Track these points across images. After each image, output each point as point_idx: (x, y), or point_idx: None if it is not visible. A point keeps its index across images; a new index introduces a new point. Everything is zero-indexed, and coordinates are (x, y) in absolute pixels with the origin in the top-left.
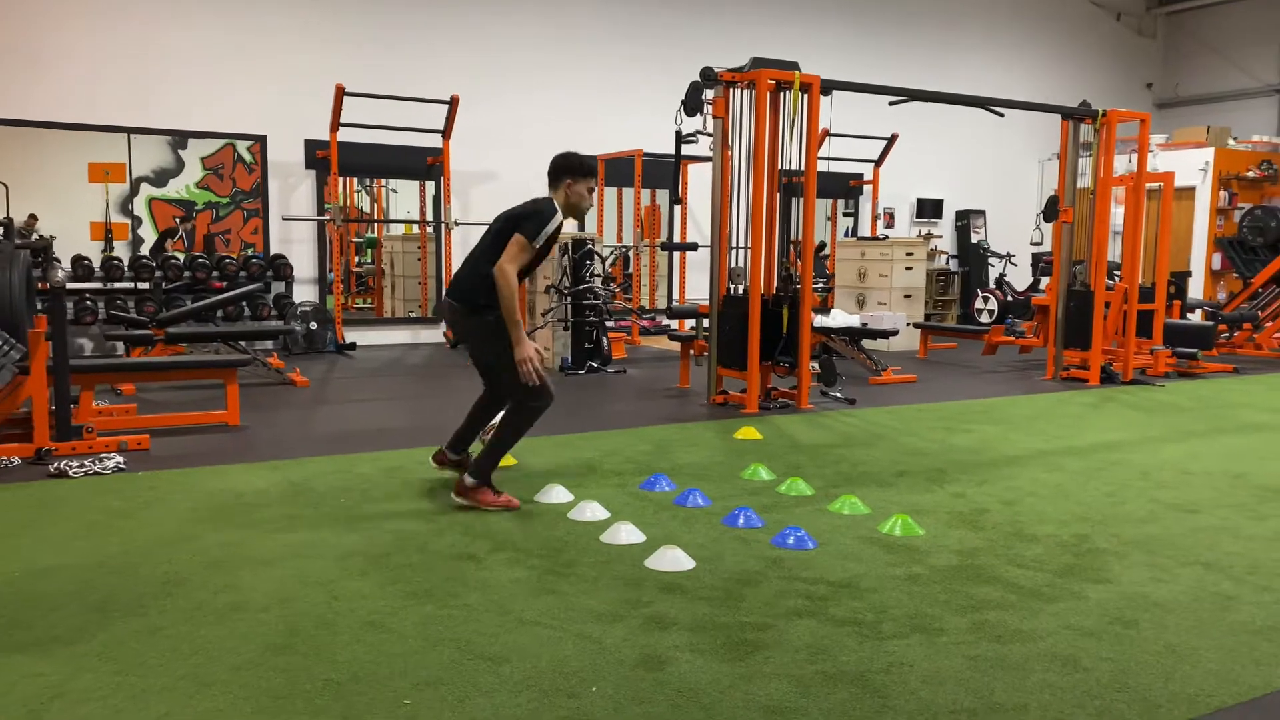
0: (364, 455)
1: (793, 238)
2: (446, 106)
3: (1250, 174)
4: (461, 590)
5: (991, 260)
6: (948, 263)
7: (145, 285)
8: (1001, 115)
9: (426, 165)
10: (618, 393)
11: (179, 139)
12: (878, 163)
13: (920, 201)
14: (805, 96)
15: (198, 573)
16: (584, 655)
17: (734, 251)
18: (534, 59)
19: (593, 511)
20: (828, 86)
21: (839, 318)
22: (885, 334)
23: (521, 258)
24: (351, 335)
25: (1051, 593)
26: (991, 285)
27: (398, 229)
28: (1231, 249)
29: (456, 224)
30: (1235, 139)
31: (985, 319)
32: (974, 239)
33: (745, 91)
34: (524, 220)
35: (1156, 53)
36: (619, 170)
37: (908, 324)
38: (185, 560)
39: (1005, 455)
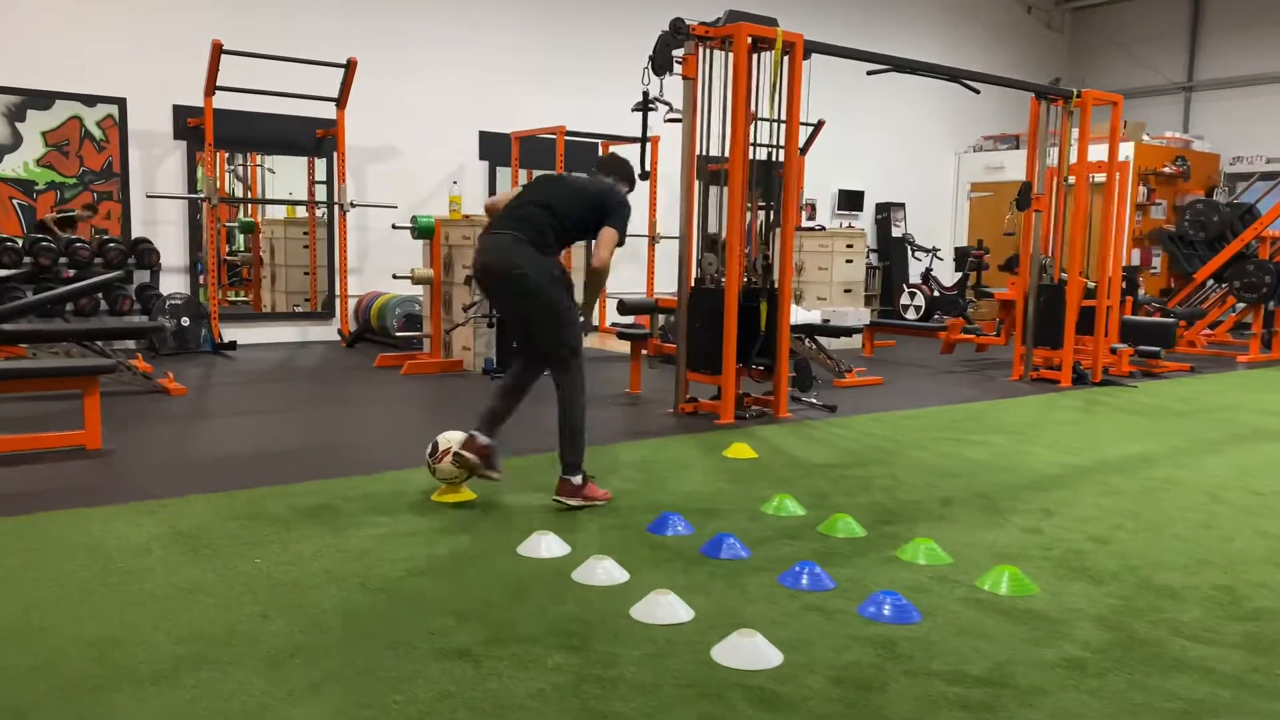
0: (270, 490)
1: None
2: (342, 71)
3: (1167, 169)
4: None
5: (918, 255)
6: (869, 256)
7: None
8: (978, 92)
9: (317, 139)
10: (545, 397)
11: (15, 111)
12: (803, 150)
13: (842, 193)
14: (786, 60)
15: (48, 708)
16: None
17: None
18: (443, 21)
19: (606, 571)
20: (811, 48)
21: (798, 314)
22: (849, 332)
23: (613, 248)
24: (230, 333)
25: (1270, 684)
26: (917, 280)
27: (278, 212)
28: (1172, 243)
29: (353, 205)
30: (1149, 135)
31: (912, 315)
32: (895, 232)
33: (717, 51)
34: (614, 215)
35: (1065, 47)
36: (538, 151)
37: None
38: (26, 684)
39: (1041, 474)
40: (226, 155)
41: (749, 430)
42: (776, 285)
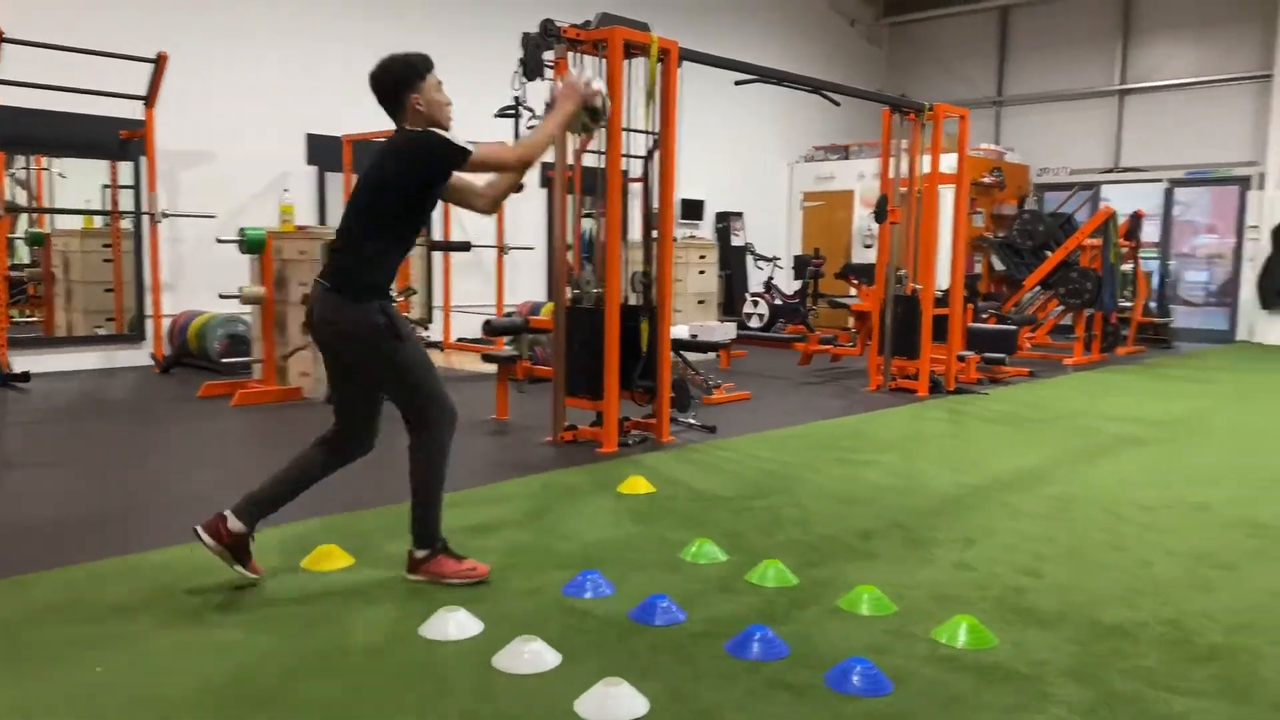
0: (89, 568)
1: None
2: (151, 66)
3: (986, 180)
4: None
5: (759, 263)
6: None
7: None
8: (837, 104)
9: (120, 140)
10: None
11: None
12: (648, 157)
13: (684, 202)
14: (660, 67)
15: None
16: None
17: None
18: (267, 11)
19: (534, 655)
20: (685, 56)
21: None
22: (717, 347)
23: (491, 151)
24: (21, 362)
25: None
26: (759, 289)
27: (72, 223)
28: (1002, 251)
29: (165, 215)
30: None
31: (755, 323)
32: (735, 241)
33: (587, 56)
34: (429, 155)
35: (885, 60)
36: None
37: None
38: None
39: (943, 495)
40: (5, 158)
41: (635, 459)
42: (656, 302)
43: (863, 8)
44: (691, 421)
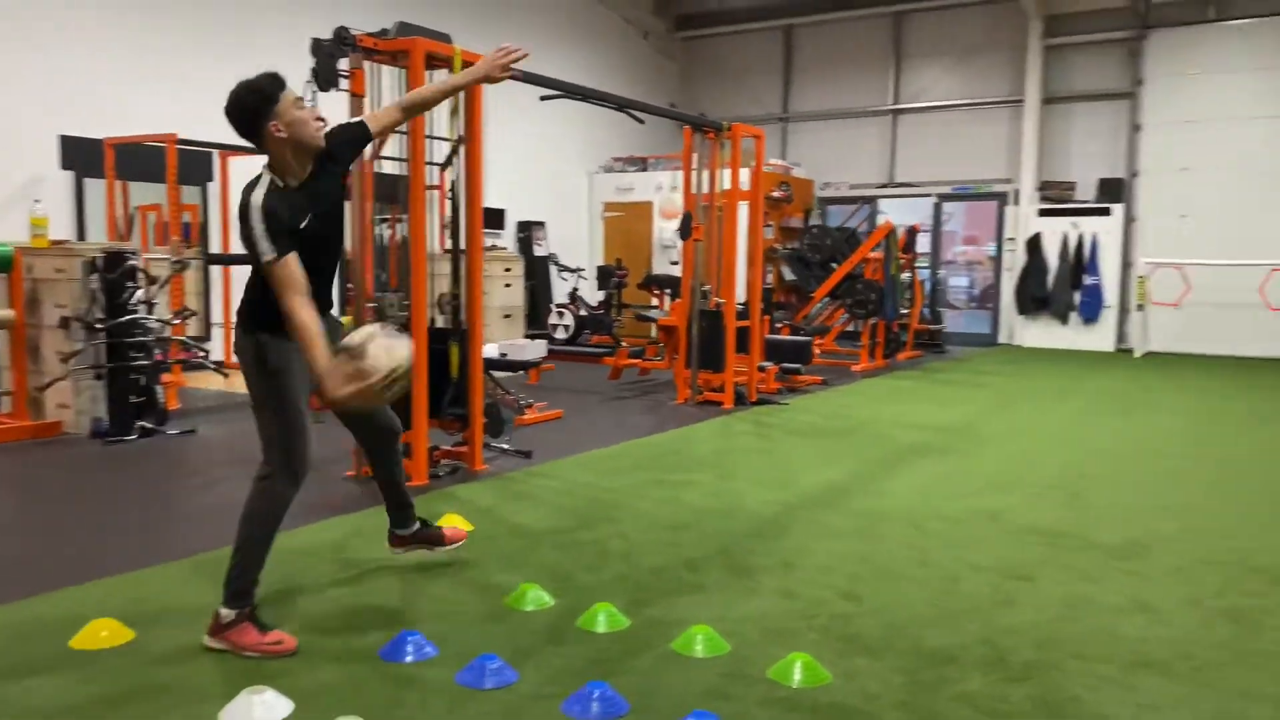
0: None
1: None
2: None
3: (775, 194)
4: None
5: (563, 274)
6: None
7: None
8: (642, 122)
9: None
10: (199, 469)
11: None
12: (443, 166)
13: (486, 211)
14: None
15: None
16: None
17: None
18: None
19: None
20: None
21: None
22: (528, 366)
23: (286, 280)
24: None
25: None
26: (564, 300)
27: None
28: (793, 263)
29: None
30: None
31: (561, 335)
32: (538, 251)
33: (385, 66)
34: (246, 242)
35: (678, 73)
36: (144, 160)
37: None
38: None
39: (759, 515)
40: None
41: (448, 491)
42: (465, 323)
43: (655, 21)
44: (506, 447)
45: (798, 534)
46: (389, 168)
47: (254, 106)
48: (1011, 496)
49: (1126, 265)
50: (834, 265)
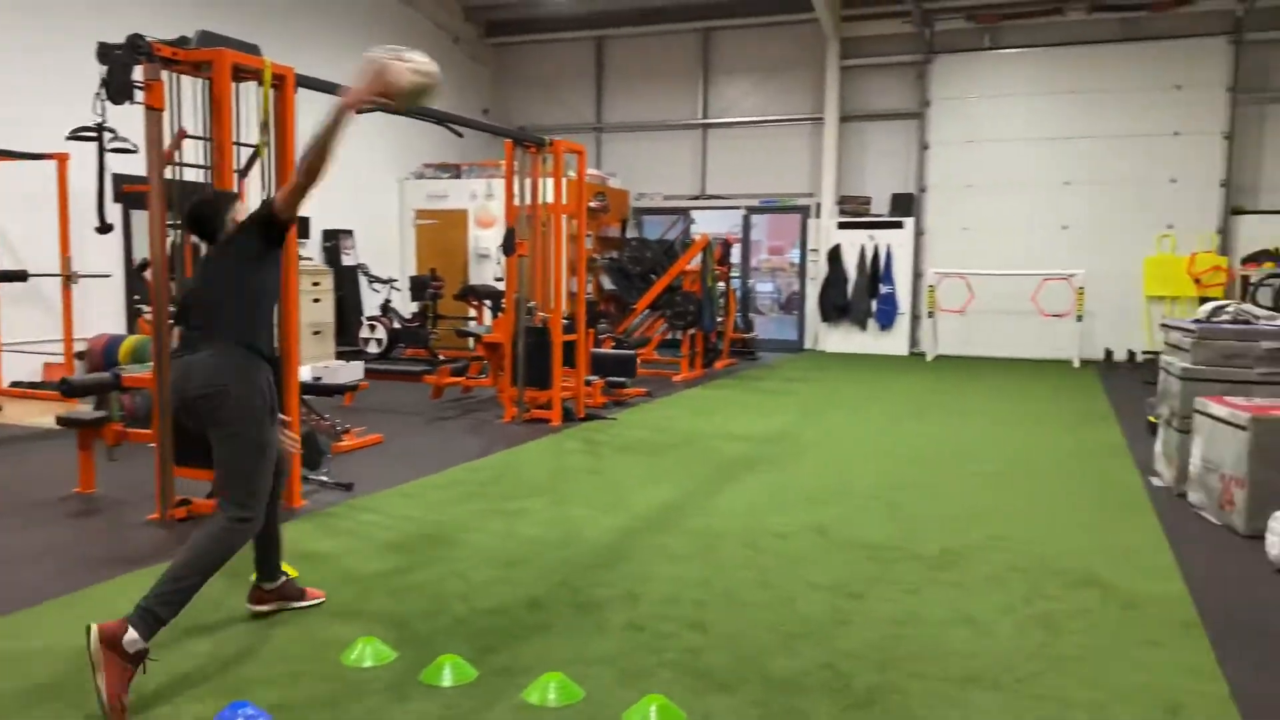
0: None
1: None
2: None
3: (593, 204)
4: None
5: (375, 285)
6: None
7: None
8: (460, 135)
9: None
10: None
11: None
12: (242, 174)
13: None
14: (275, 94)
15: None
16: None
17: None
18: None
19: None
20: (302, 83)
21: None
22: (345, 389)
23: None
24: None
25: None
26: (376, 312)
27: None
28: (614, 275)
29: None
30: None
31: (374, 349)
32: (346, 261)
33: (185, 77)
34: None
35: (490, 80)
36: None
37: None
38: None
39: (598, 543)
40: None
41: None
42: (278, 348)
43: (466, 27)
44: (325, 479)
45: (638, 560)
46: (190, 175)
47: (210, 213)
48: (836, 508)
49: (918, 275)
50: (654, 277)
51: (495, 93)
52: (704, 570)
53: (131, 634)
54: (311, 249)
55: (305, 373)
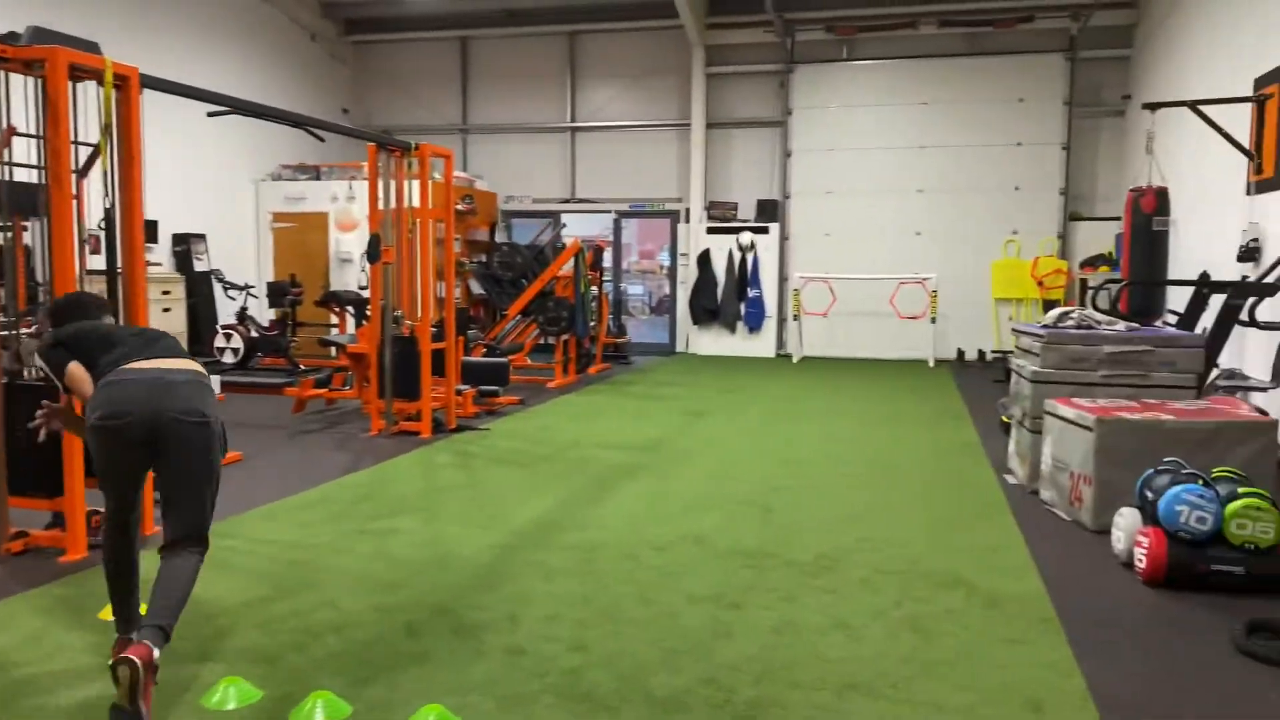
0: None
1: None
2: None
3: (460, 207)
4: None
5: (230, 292)
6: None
7: None
8: (322, 139)
9: None
10: None
11: None
12: (81, 173)
13: None
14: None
15: None
16: None
17: None
18: None
19: None
20: (146, 84)
21: None
22: None
23: None
24: None
25: None
26: (232, 320)
27: None
28: (485, 280)
29: None
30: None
31: (229, 358)
32: (198, 266)
33: (16, 75)
34: None
35: (350, 79)
36: None
37: None
38: None
39: (475, 563)
40: None
41: (79, 580)
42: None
43: (323, 23)
44: None
45: (517, 579)
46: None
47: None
48: (713, 515)
49: (783, 279)
50: (525, 282)
51: (355, 92)
52: (584, 587)
53: (157, 652)
54: (160, 254)
55: None
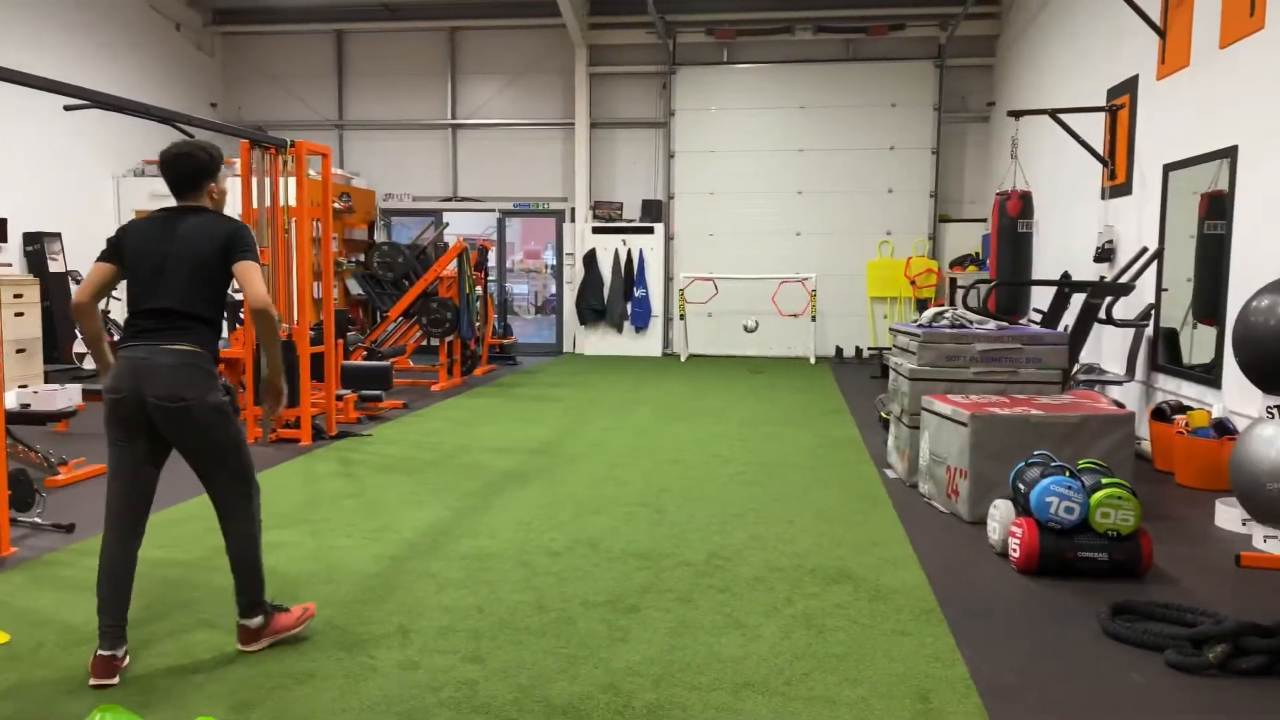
0: None
1: None
2: None
3: (336, 205)
4: None
5: None
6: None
7: None
8: (192, 136)
9: None
10: None
11: None
12: None
13: None
14: None
15: None
16: None
17: None
18: None
19: None
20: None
21: None
22: (60, 417)
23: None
24: None
25: None
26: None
27: None
28: (364, 282)
29: None
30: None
31: (90, 365)
32: (53, 266)
33: None
34: (240, 241)
35: (219, 71)
36: None
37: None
38: None
39: (363, 574)
40: None
41: None
42: None
43: (189, 13)
44: (39, 521)
45: (408, 591)
46: None
47: (209, 167)
48: (605, 518)
49: (669, 279)
50: (407, 283)
51: (225, 85)
52: (478, 596)
53: (277, 620)
54: (11, 254)
55: (10, 399)
